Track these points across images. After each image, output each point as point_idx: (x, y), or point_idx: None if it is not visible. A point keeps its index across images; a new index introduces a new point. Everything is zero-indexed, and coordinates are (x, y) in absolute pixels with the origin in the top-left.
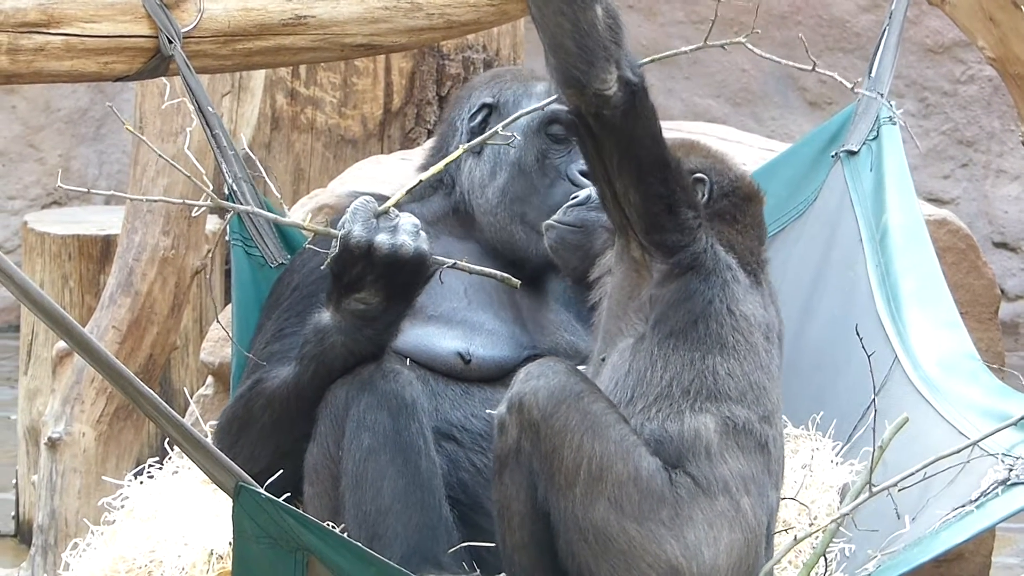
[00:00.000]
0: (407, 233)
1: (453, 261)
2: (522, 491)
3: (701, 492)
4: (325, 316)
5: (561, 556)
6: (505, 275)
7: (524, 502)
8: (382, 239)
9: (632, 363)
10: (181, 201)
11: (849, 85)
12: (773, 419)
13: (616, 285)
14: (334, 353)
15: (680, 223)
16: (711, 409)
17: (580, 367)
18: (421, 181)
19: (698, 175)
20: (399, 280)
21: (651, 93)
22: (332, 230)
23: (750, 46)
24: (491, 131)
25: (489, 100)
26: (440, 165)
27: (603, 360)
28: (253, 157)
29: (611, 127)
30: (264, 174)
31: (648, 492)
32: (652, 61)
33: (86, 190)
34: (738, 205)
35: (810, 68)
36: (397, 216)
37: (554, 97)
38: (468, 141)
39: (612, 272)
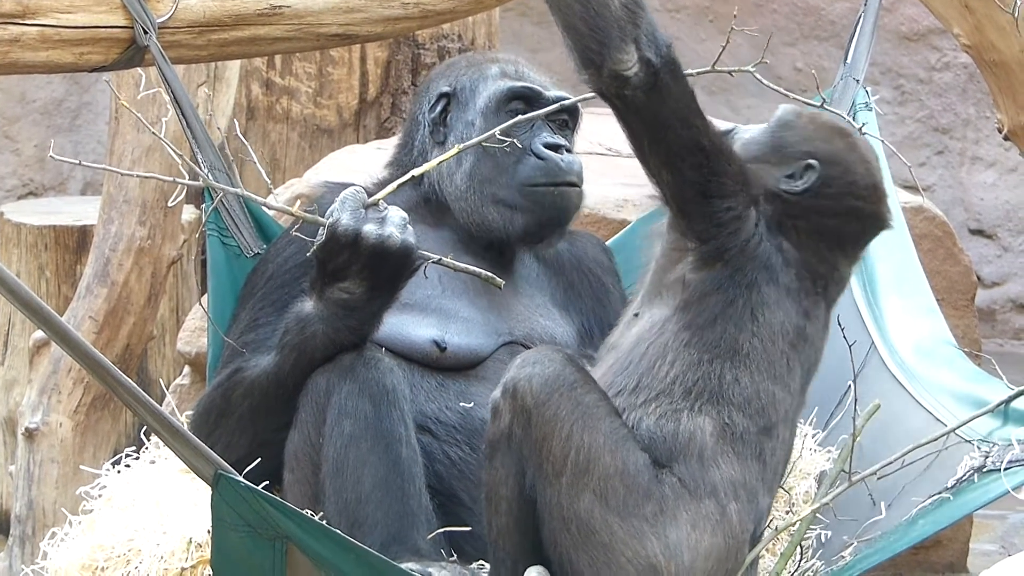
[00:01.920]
0: (395, 225)
1: (439, 256)
2: (511, 477)
3: (687, 493)
4: (307, 305)
5: (545, 544)
6: (489, 275)
7: (512, 488)
8: (370, 229)
9: (650, 347)
10: (172, 179)
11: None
12: (776, 430)
13: (663, 251)
14: (315, 342)
15: (710, 213)
16: (711, 412)
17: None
18: (413, 177)
19: (810, 161)
20: (384, 272)
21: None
22: (319, 218)
23: (758, 76)
24: (487, 133)
25: (446, 89)
26: (434, 163)
27: (635, 316)
28: (246, 142)
29: (635, 108)
30: (255, 160)
31: (634, 487)
32: None
33: (77, 162)
34: (845, 211)
35: (818, 105)
36: (385, 208)
37: (558, 105)
38: (431, 133)
39: (665, 234)
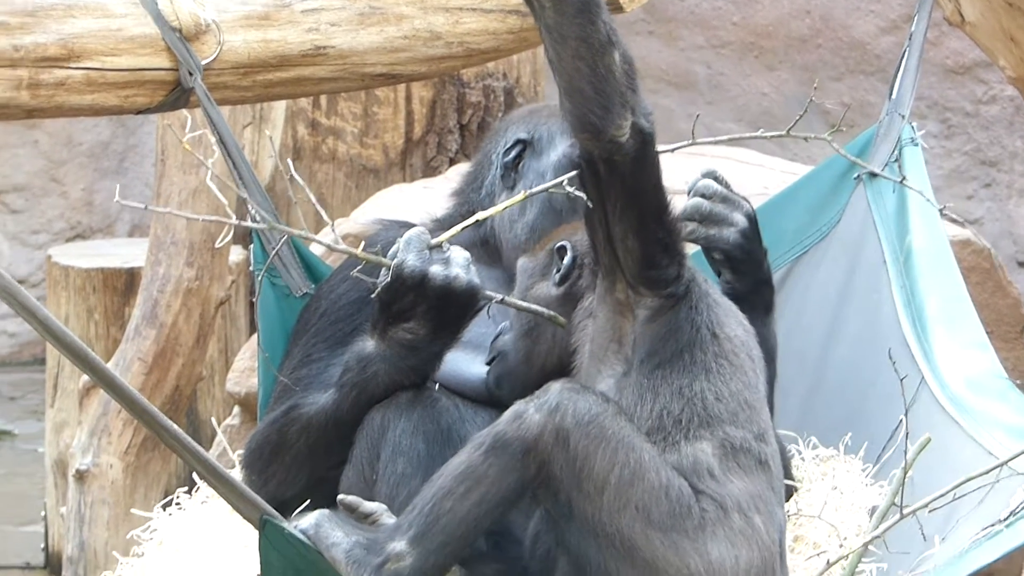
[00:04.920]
0: (460, 266)
1: (502, 296)
2: (502, 479)
3: (719, 509)
4: (368, 344)
5: (592, 564)
6: (552, 314)
7: (494, 487)
8: (436, 271)
9: (622, 397)
10: (236, 222)
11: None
12: (767, 436)
13: (598, 328)
14: (376, 381)
15: (674, 258)
16: (705, 435)
17: None
18: (478, 221)
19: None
20: (449, 312)
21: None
22: (383, 259)
23: (835, 145)
24: (556, 180)
25: (524, 136)
26: (499, 208)
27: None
28: (301, 181)
29: (620, 174)
30: (313, 199)
31: (677, 504)
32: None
33: (144, 206)
34: None
35: (898, 180)
36: (448, 248)
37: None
38: (502, 175)
39: (594, 315)
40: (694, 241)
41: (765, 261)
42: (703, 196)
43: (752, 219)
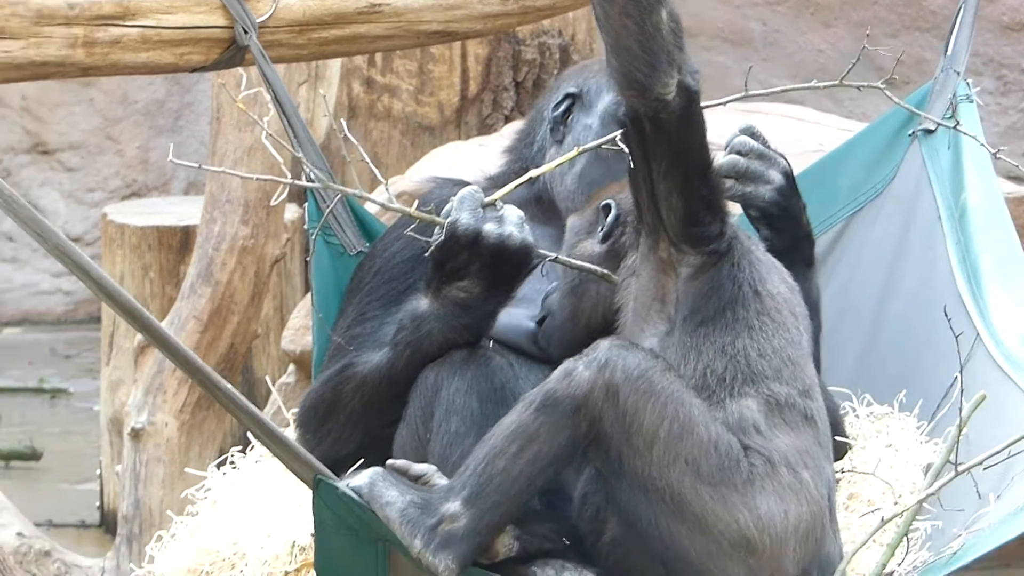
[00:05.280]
0: (513, 224)
1: (556, 255)
2: (556, 437)
3: (767, 463)
4: (423, 303)
5: (642, 520)
6: (605, 272)
7: (545, 447)
8: (490, 229)
9: (666, 355)
10: (291, 181)
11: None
12: (813, 392)
13: (641, 287)
14: (430, 340)
15: (717, 216)
16: (750, 392)
17: None
18: (533, 178)
19: None
20: (503, 271)
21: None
22: (437, 218)
23: (889, 94)
24: (608, 136)
25: (573, 90)
26: (553, 164)
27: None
28: (355, 141)
29: (665, 131)
30: (367, 158)
31: (726, 458)
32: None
33: (197, 166)
34: None
35: (952, 126)
36: (502, 207)
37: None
38: (551, 130)
39: (637, 274)
40: (730, 199)
41: (804, 216)
42: (739, 153)
43: (789, 176)
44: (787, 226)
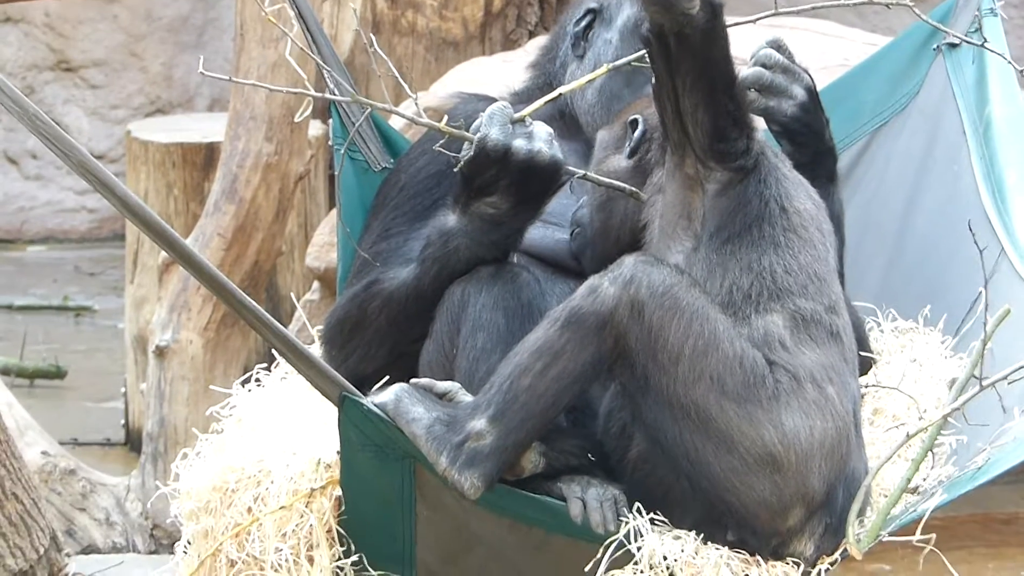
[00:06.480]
0: (543, 140)
1: (584, 172)
2: (581, 354)
3: (792, 379)
4: (450, 218)
5: (668, 436)
6: (633, 189)
7: (576, 361)
8: (519, 144)
9: (692, 272)
10: (321, 95)
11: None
12: (838, 308)
13: (668, 204)
14: (457, 256)
15: (744, 131)
16: (775, 307)
17: None
18: (560, 94)
19: None
20: (532, 187)
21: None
22: (466, 133)
23: (916, 11)
24: (637, 54)
25: (594, 5)
26: (581, 81)
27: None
28: (383, 55)
29: (690, 46)
30: (395, 72)
31: (751, 374)
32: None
33: (228, 78)
34: None
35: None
36: (531, 123)
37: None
38: (572, 45)
39: (663, 191)
40: (752, 112)
41: (826, 131)
42: (764, 66)
43: (812, 91)
44: (809, 141)
